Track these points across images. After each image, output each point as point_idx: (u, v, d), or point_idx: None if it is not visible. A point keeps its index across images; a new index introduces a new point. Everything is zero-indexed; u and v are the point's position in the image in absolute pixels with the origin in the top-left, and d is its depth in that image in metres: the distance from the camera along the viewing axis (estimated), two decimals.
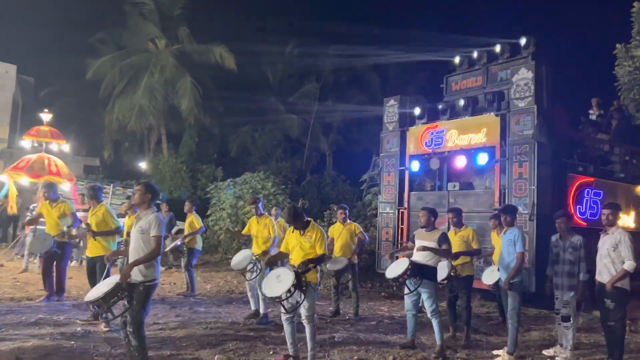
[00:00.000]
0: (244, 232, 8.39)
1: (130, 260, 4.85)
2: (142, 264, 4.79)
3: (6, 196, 13.91)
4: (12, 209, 14.44)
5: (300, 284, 5.28)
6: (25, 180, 12.95)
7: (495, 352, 6.38)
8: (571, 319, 6.18)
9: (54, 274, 8.43)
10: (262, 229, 7.86)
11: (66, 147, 15.45)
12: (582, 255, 6.13)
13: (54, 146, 13.76)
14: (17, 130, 25.09)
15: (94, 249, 7.32)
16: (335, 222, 9.29)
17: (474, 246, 7.21)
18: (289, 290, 5.19)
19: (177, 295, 9.74)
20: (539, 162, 9.26)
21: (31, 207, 12.64)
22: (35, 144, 13.72)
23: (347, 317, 8.30)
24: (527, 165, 9.34)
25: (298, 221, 5.67)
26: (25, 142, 15.70)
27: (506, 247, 6.39)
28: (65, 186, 12.71)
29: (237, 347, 6.06)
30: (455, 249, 7.18)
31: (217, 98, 24.29)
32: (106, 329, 6.61)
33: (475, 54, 11.57)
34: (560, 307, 6.27)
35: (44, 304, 8.08)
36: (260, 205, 8.14)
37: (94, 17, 24.68)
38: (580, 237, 6.23)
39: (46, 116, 14.71)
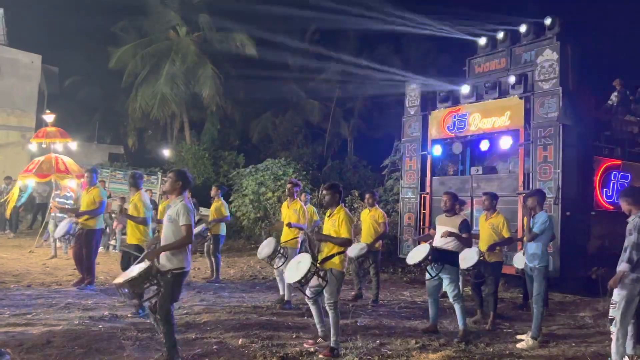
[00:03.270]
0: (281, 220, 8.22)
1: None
2: (171, 252, 4.81)
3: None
4: (8, 209, 14.80)
5: (318, 270, 5.29)
6: (31, 182, 13.15)
7: (518, 336, 6.34)
8: (616, 324, 4.96)
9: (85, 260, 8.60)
10: (291, 214, 7.78)
11: (73, 145, 15.53)
12: (633, 242, 4.96)
13: (58, 147, 13.85)
14: (43, 119, 25.52)
15: (131, 238, 7.21)
16: (357, 207, 9.30)
17: (504, 234, 7.08)
18: (305, 276, 5.22)
19: (202, 280, 9.87)
20: (564, 145, 9.12)
21: (54, 193, 12.86)
22: (44, 146, 13.88)
23: (368, 303, 8.32)
24: (552, 149, 9.20)
25: (331, 195, 5.54)
26: (32, 145, 15.84)
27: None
28: (72, 182, 12.92)
29: (260, 332, 6.13)
30: (484, 235, 7.16)
31: (238, 85, 24.32)
32: (130, 314, 6.71)
33: (498, 35, 11.37)
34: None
35: (74, 289, 8.27)
36: (296, 189, 8.00)
37: (115, 5, 24.81)
38: (634, 218, 5.06)
39: (49, 117, 14.78)
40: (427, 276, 6.40)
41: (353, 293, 8.70)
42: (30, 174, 12.70)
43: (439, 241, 6.37)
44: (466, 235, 6.28)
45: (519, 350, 5.89)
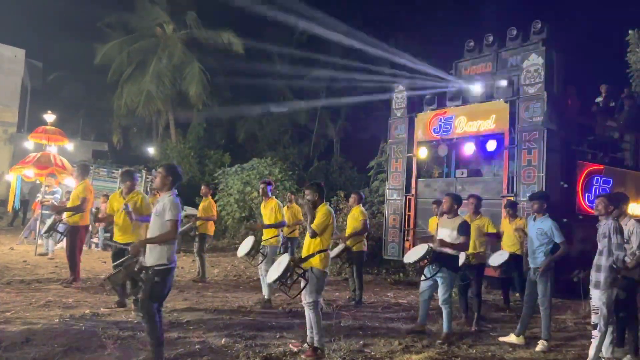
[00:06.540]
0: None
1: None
2: (151, 247, 4.70)
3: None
4: (10, 204, 14.69)
5: (299, 269, 5.29)
6: (30, 172, 13.01)
7: (501, 339, 6.37)
8: (600, 328, 5.11)
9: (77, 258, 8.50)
10: (268, 213, 7.82)
11: (70, 146, 15.38)
12: (616, 243, 5.06)
13: (52, 148, 13.73)
14: (25, 114, 25.22)
15: (126, 236, 6.87)
16: (343, 208, 9.30)
17: (492, 231, 7.55)
18: (284, 274, 5.21)
19: (185, 280, 9.79)
20: (548, 149, 9.21)
21: (42, 189, 12.71)
22: (43, 144, 13.78)
23: (352, 303, 8.32)
24: (536, 152, 9.29)
25: (313, 193, 5.47)
26: (30, 143, 15.68)
27: (536, 235, 6.20)
28: (69, 181, 12.80)
29: (243, 331, 6.10)
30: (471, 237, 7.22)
31: (225, 84, 24.25)
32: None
33: (485, 40, 11.45)
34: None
35: (54, 287, 8.15)
36: (269, 188, 7.99)
37: (102, 1, 24.58)
38: (611, 222, 5.15)
39: (50, 117, 14.65)
40: (423, 277, 6.41)
41: (348, 296, 8.70)
42: (28, 165, 12.64)
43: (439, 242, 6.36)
44: (462, 239, 6.25)
45: (501, 352, 5.93)
